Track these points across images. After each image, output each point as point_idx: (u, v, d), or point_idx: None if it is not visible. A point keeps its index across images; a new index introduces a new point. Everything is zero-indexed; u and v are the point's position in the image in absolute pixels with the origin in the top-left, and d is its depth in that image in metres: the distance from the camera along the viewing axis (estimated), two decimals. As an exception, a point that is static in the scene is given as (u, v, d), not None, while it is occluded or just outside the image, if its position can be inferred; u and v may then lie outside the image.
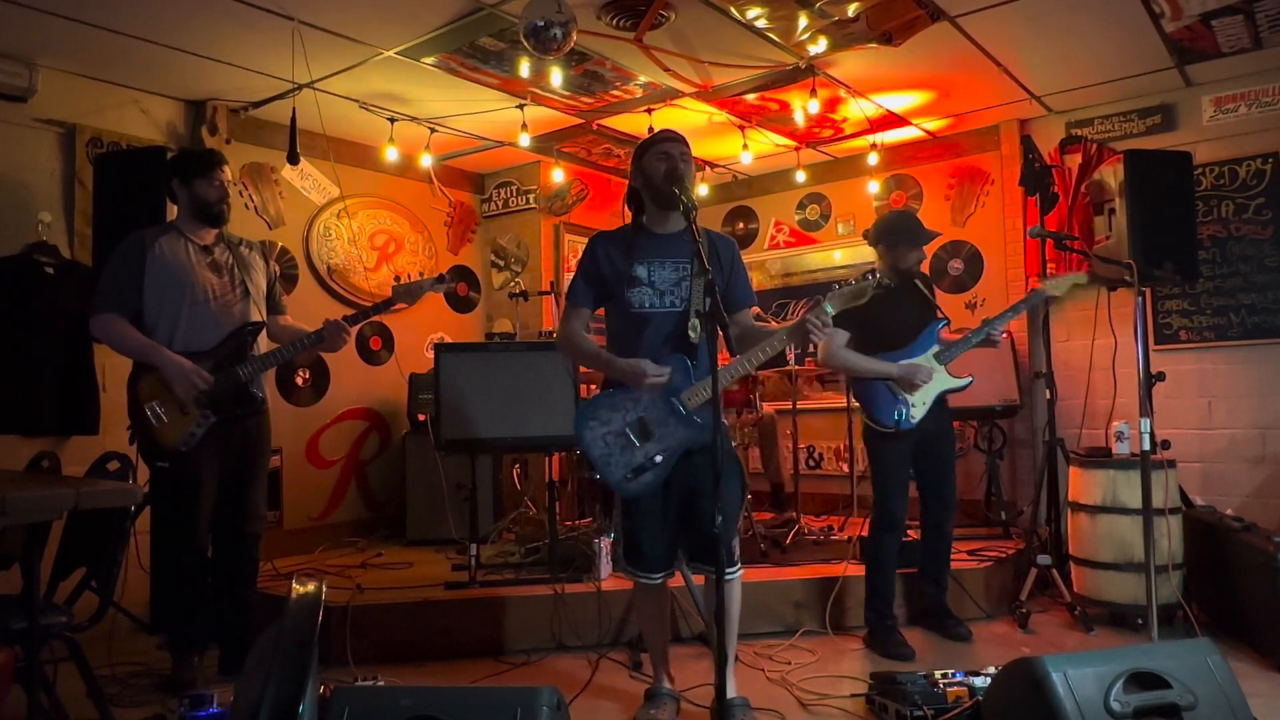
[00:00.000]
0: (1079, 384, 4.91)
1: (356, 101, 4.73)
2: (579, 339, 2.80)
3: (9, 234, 3.99)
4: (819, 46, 4.15)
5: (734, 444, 3.58)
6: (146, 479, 3.21)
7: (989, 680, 2.58)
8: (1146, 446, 3.35)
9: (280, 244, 5.13)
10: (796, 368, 5.22)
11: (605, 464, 2.68)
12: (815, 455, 6.19)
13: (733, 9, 3.76)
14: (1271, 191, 4.66)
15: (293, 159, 4.26)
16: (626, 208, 2.90)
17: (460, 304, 6.21)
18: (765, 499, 5.33)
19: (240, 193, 4.89)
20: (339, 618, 3.49)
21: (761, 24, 3.93)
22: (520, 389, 3.99)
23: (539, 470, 5.47)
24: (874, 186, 5.91)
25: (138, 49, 3.99)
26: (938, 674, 2.74)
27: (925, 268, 3.95)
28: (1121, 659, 2.16)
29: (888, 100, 5.04)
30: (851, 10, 3.80)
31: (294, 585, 1.98)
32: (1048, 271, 4.68)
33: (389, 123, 4.97)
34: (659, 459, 2.65)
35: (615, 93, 4.76)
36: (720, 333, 2.37)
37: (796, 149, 5.86)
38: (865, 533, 3.74)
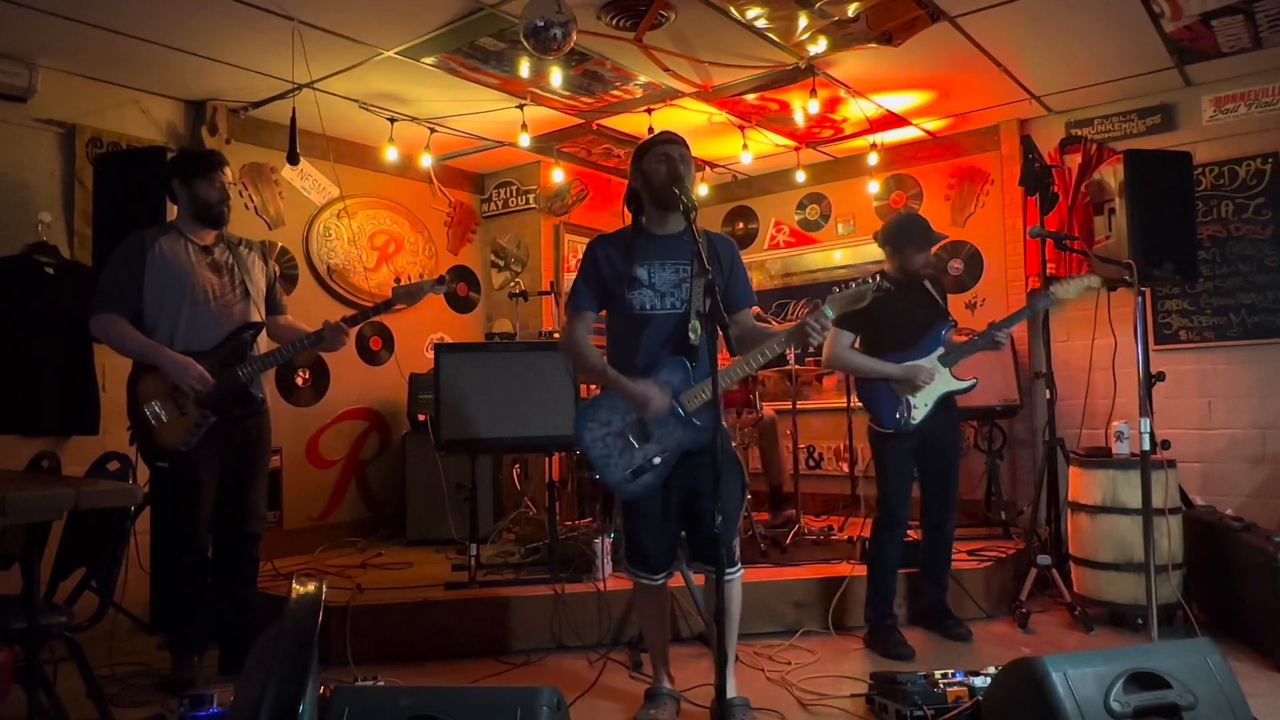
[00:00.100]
0: (1079, 384, 4.91)
1: (356, 101, 4.73)
2: (585, 350, 2.78)
3: (9, 234, 3.99)
4: (819, 46, 4.15)
5: (734, 444, 3.58)
6: (146, 479, 3.21)
7: (989, 680, 2.58)
8: (1146, 446, 3.35)
9: (280, 244, 5.13)
10: (796, 368, 5.22)
11: (605, 465, 2.68)
12: (815, 455, 6.19)
13: (733, 9, 3.76)
14: (1271, 191, 4.66)
15: (293, 159, 4.26)
16: (626, 209, 2.90)
17: (460, 304, 6.21)
18: (765, 499, 5.33)
19: (240, 193, 4.89)
20: (339, 618, 3.49)
21: (761, 24, 3.93)
22: (520, 389, 3.98)
23: (539, 470, 5.47)
24: (874, 186, 5.91)
25: (137, 49, 3.99)
26: (938, 674, 2.74)
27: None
28: (1121, 659, 2.16)
29: (888, 100, 5.04)
30: (851, 10, 3.81)
31: (294, 585, 1.97)
32: (1048, 271, 4.68)
33: (389, 123, 4.97)
34: (658, 461, 2.65)
35: (615, 93, 4.76)
36: (720, 333, 2.37)
37: (796, 149, 5.86)
38: (866, 532, 3.74)
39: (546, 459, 4.47)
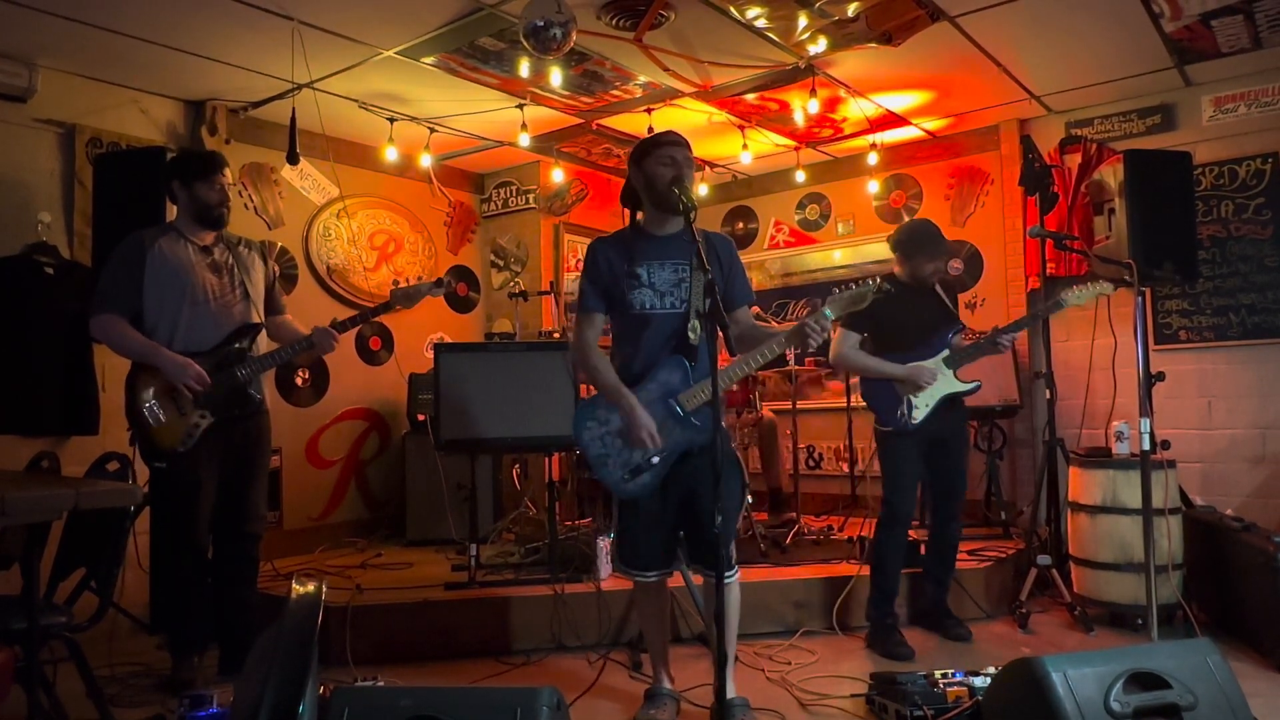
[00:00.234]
0: (1079, 384, 4.91)
1: (356, 101, 4.73)
2: (594, 360, 2.75)
3: (9, 234, 3.99)
4: (819, 46, 4.15)
5: (733, 444, 3.58)
6: (146, 479, 3.21)
7: (989, 680, 2.58)
8: (1146, 446, 3.35)
9: (280, 244, 5.12)
10: (796, 368, 5.22)
11: (603, 464, 2.68)
12: (815, 455, 6.19)
13: (732, 9, 3.76)
14: (1271, 191, 4.66)
15: (292, 159, 4.26)
16: (622, 206, 2.90)
17: (460, 304, 6.21)
18: (765, 499, 5.33)
19: (240, 193, 4.89)
20: (339, 618, 3.49)
21: (761, 24, 3.93)
22: (520, 389, 3.98)
23: (539, 470, 5.47)
24: (874, 186, 5.91)
25: (137, 49, 3.99)
26: (938, 674, 2.74)
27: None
28: (1121, 659, 2.16)
29: (887, 100, 5.04)
30: (851, 10, 3.80)
31: (294, 585, 1.97)
32: (1048, 271, 4.68)
33: (389, 123, 4.97)
34: (656, 460, 2.65)
35: (615, 93, 4.76)
36: (720, 333, 2.37)
37: (796, 149, 5.86)
38: (866, 532, 3.75)
39: (546, 459, 4.47)
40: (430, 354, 4.84)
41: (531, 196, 6.12)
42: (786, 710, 2.91)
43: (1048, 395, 4.30)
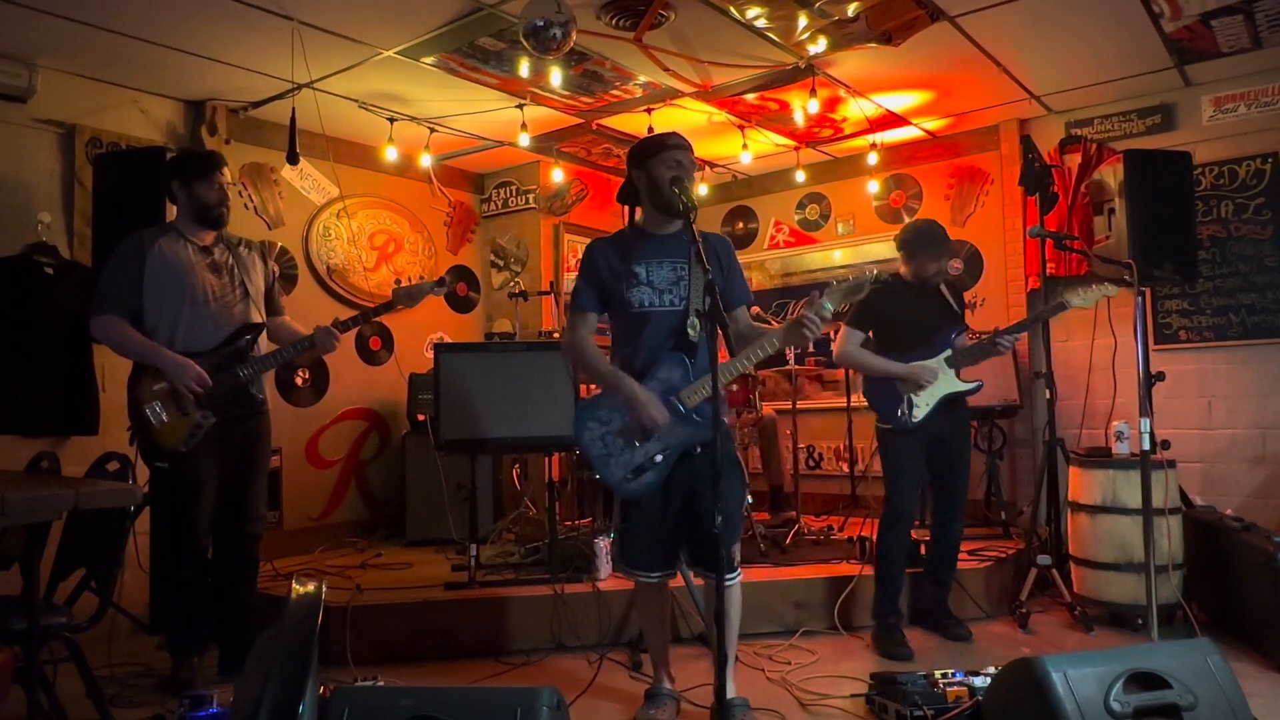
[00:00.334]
0: (1079, 384, 4.91)
1: (356, 101, 4.73)
2: (589, 352, 2.76)
3: (9, 234, 3.99)
4: (819, 46, 4.15)
5: (734, 444, 3.58)
6: (146, 479, 3.20)
7: (989, 680, 2.58)
8: (1146, 446, 3.35)
9: (280, 244, 5.12)
10: (796, 368, 5.22)
11: (605, 464, 2.68)
12: (815, 455, 6.19)
13: (732, 9, 3.76)
14: (1271, 191, 4.66)
15: (292, 159, 4.25)
16: (620, 203, 2.90)
17: (460, 304, 6.21)
18: (765, 499, 5.33)
19: (240, 193, 4.89)
20: (339, 618, 3.49)
21: (761, 24, 3.93)
22: (520, 389, 3.98)
23: (539, 470, 5.47)
24: (874, 186, 5.91)
25: (137, 49, 3.99)
26: (938, 674, 2.74)
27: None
28: (1121, 659, 2.16)
29: (887, 100, 5.04)
30: (851, 10, 3.80)
31: (294, 585, 1.98)
32: (1048, 271, 4.68)
33: (389, 123, 4.97)
34: (659, 458, 2.65)
35: (615, 93, 4.76)
36: (720, 332, 2.37)
37: (796, 149, 5.86)
38: (866, 532, 3.75)
39: (546, 459, 4.47)
40: (430, 354, 4.84)
41: (531, 196, 6.12)
42: (786, 710, 2.91)
43: (1048, 395, 4.30)
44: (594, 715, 2.94)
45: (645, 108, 4.95)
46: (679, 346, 2.69)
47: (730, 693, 2.64)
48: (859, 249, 6.16)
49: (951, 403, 3.59)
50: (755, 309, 2.99)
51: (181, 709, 2.40)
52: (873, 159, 5.70)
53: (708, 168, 6.23)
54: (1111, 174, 4.28)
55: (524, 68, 4.31)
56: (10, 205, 4.05)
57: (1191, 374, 4.84)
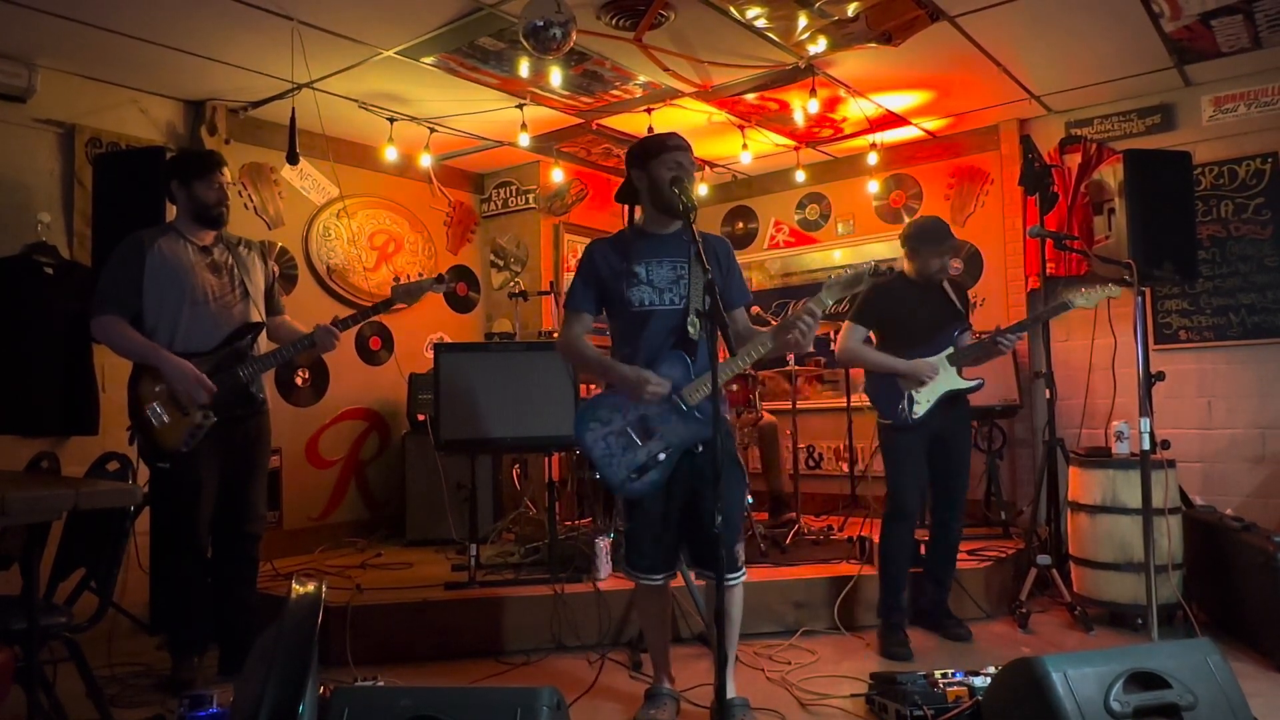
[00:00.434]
0: (1079, 384, 4.91)
1: (356, 101, 4.73)
2: (580, 345, 2.79)
3: (9, 234, 3.99)
4: (818, 46, 4.15)
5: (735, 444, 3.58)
6: (146, 479, 3.20)
7: (989, 680, 2.58)
8: (1146, 446, 3.35)
9: (280, 244, 5.12)
10: (797, 368, 5.22)
11: (607, 464, 2.68)
12: (815, 455, 6.19)
13: (732, 9, 3.76)
14: (1271, 191, 4.66)
15: (292, 159, 4.25)
16: (619, 203, 2.90)
17: (460, 304, 6.21)
18: (764, 499, 5.33)
19: (240, 193, 4.89)
20: (339, 618, 3.49)
21: (761, 24, 3.93)
22: (520, 389, 3.98)
23: (539, 470, 5.47)
24: (874, 186, 5.91)
25: (137, 49, 3.98)
26: (938, 674, 2.74)
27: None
28: (1121, 659, 2.16)
29: (887, 100, 5.04)
30: (851, 10, 3.80)
31: (294, 585, 1.97)
32: (1048, 271, 4.68)
33: (388, 123, 4.97)
34: (662, 456, 2.65)
35: (615, 92, 4.76)
36: (720, 331, 2.36)
37: (796, 149, 5.86)
38: (866, 532, 3.75)
39: (546, 459, 4.47)
40: (430, 354, 4.84)
41: (531, 196, 6.12)
42: (786, 710, 2.91)
43: (1048, 395, 4.30)
44: (594, 715, 2.94)
45: (645, 108, 4.95)
46: (679, 345, 2.69)
47: (730, 693, 2.64)
48: (859, 249, 6.15)
49: (952, 400, 3.59)
50: (755, 309, 2.98)
51: (181, 709, 2.40)
52: (873, 159, 5.70)
53: (708, 168, 6.23)
54: (1111, 174, 4.28)
55: (524, 68, 4.31)
56: (10, 205, 4.05)
57: (1191, 374, 4.84)
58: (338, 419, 5.36)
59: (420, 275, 3.51)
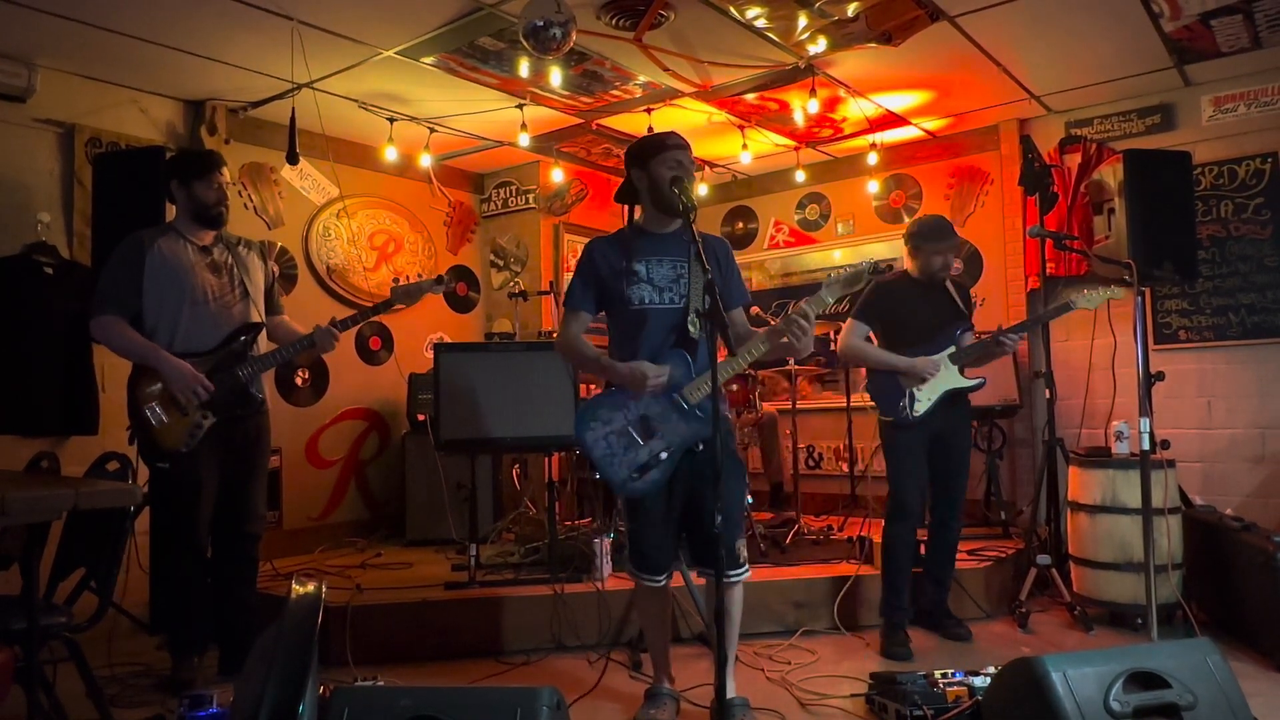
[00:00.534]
0: (1079, 384, 4.91)
1: (356, 101, 4.73)
2: (578, 344, 2.79)
3: (8, 234, 3.99)
4: (818, 46, 4.15)
5: (735, 443, 3.58)
6: (146, 479, 3.20)
7: (989, 680, 2.58)
8: (1146, 446, 3.35)
9: (279, 244, 5.12)
10: (797, 367, 5.22)
11: (609, 464, 2.67)
12: (815, 455, 6.19)
13: (732, 9, 3.76)
14: (1271, 191, 4.67)
15: (292, 159, 4.25)
16: (619, 203, 2.90)
17: (460, 304, 6.21)
18: (765, 499, 5.33)
19: (239, 193, 4.89)
20: (339, 618, 3.49)
21: (761, 24, 3.93)
22: (520, 389, 3.98)
23: (539, 470, 5.47)
24: (873, 186, 5.91)
25: (136, 49, 3.99)
26: (938, 674, 2.74)
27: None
28: (1121, 659, 2.16)
29: (887, 100, 5.04)
30: (851, 10, 3.80)
31: (294, 585, 1.97)
32: (1048, 271, 4.68)
33: (388, 123, 4.97)
34: (664, 455, 2.65)
35: (615, 92, 4.76)
36: (720, 332, 2.37)
37: (796, 149, 5.86)
38: (866, 532, 3.75)
39: (546, 459, 4.47)
40: (430, 354, 4.84)
41: (531, 196, 6.12)
42: (786, 710, 2.91)
43: (1047, 395, 4.30)
44: (594, 715, 2.94)
45: (645, 108, 4.95)
46: (679, 344, 2.69)
47: (730, 692, 2.64)
48: (859, 249, 6.15)
49: (953, 399, 3.59)
50: (755, 309, 2.98)
51: (181, 709, 2.40)
52: (873, 159, 5.70)
53: (708, 168, 6.23)
54: (1111, 174, 4.28)
55: (524, 68, 4.31)
56: (10, 205, 4.05)
57: (1191, 374, 4.84)
58: (338, 419, 5.36)
59: (420, 276, 3.51)
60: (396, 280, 4.37)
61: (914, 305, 3.62)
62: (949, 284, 3.72)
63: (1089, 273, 4.77)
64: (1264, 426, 4.65)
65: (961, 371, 3.60)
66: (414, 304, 3.53)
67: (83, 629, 2.46)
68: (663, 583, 2.81)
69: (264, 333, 3.41)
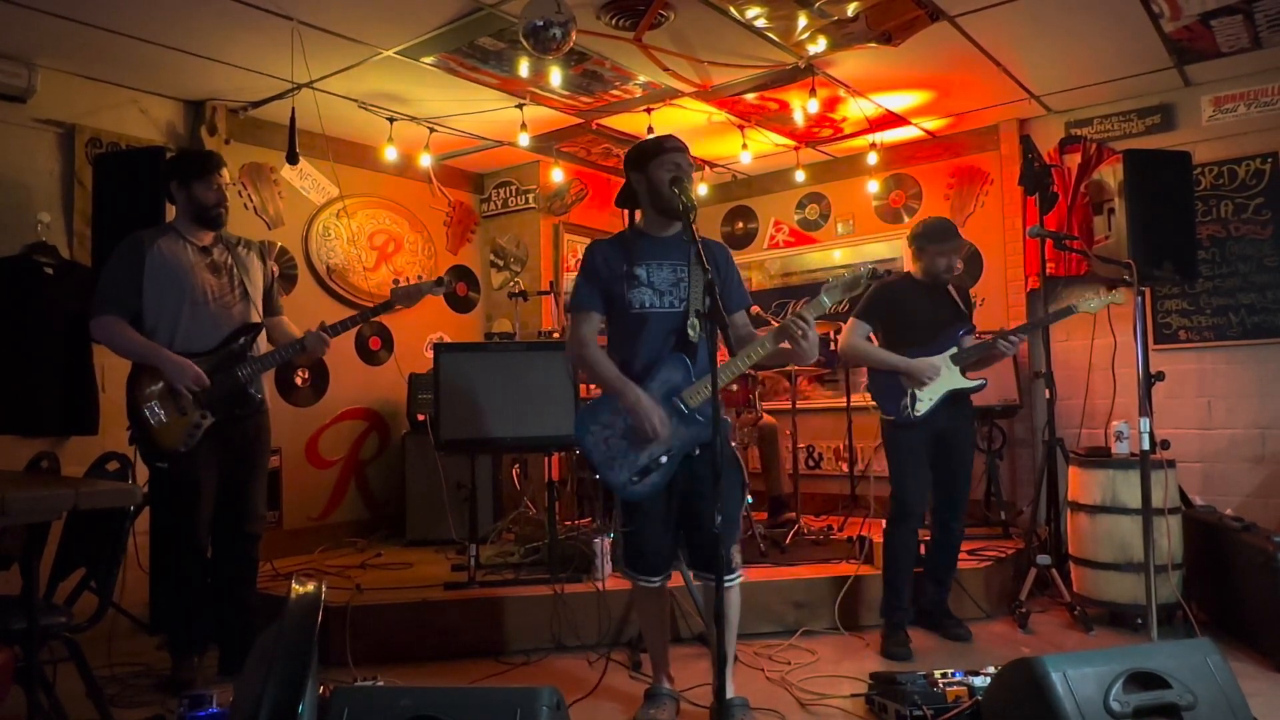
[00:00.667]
0: (1079, 384, 4.91)
1: (356, 101, 4.73)
2: (595, 356, 2.73)
3: (9, 234, 3.99)
4: (818, 46, 4.15)
5: (733, 443, 3.58)
6: (146, 479, 3.21)
7: (989, 680, 2.58)
8: (1146, 446, 3.35)
9: (279, 244, 5.12)
10: (797, 368, 5.22)
11: (609, 467, 2.68)
12: (815, 455, 6.19)
13: (732, 9, 3.76)
14: (1271, 191, 4.66)
15: (292, 159, 4.25)
16: (619, 207, 2.90)
17: (460, 304, 6.20)
18: (764, 499, 5.33)
19: (239, 193, 4.89)
20: (339, 618, 3.49)
21: (761, 24, 3.93)
22: (520, 389, 3.98)
23: (539, 470, 5.47)
24: (873, 186, 5.91)
25: (137, 49, 3.98)
26: (938, 674, 2.74)
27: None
28: (1121, 659, 2.16)
29: (887, 100, 5.04)
30: (851, 10, 3.80)
31: (293, 585, 1.97)
32: (1048, 271, 4.68)
33: (388, 122, 4.97)
34: (664, 459, 2.65)
35: (615, 92, 4.76)
36: (720, 333, 2.37)
37: (796, 149, 5.86)
38: (866, 532, 3.76)
39: (546, 459, 4.47)
40: (430, 354, 4.84)
41: (531, 196, 6.11)
42: (786, 710, 2.92)
43: (1047, 395, 4.30)
44: (594, 715, 2.94)
45: (645, 108, 4.95)
46: (679, 347, 2.69)
47: (730, 693, 2.64)
48: (859, 249, 6.15)
49: (955, 400, 3.59)
50: (755, 309, 2.97)
51: (181, 709, 2.40)
52: (872, 159, 5.70)
53: (707, 168, 6.23)
54: (1111, 174, 4.27)
55: (524, 68, 4.31)
56: (10, 205, 4.05)
57: (1191, 374, 4.84)
58: (338, 419, 5.36)
59: (420, 276, 3.52)
60: (396, 280, 4.37)
61: (916, 306, 3.63)
62: (950, 286, 3.73)
63: (1089, 273, 4.77)
64: (1264, 426, 4.65)
65: (963, 372, 3.60)
66: (413, 305, 3.53)
67: (83, 629, 2.46)
68: (659, 583, 2.82)
69: (263, 333, 3.42)
